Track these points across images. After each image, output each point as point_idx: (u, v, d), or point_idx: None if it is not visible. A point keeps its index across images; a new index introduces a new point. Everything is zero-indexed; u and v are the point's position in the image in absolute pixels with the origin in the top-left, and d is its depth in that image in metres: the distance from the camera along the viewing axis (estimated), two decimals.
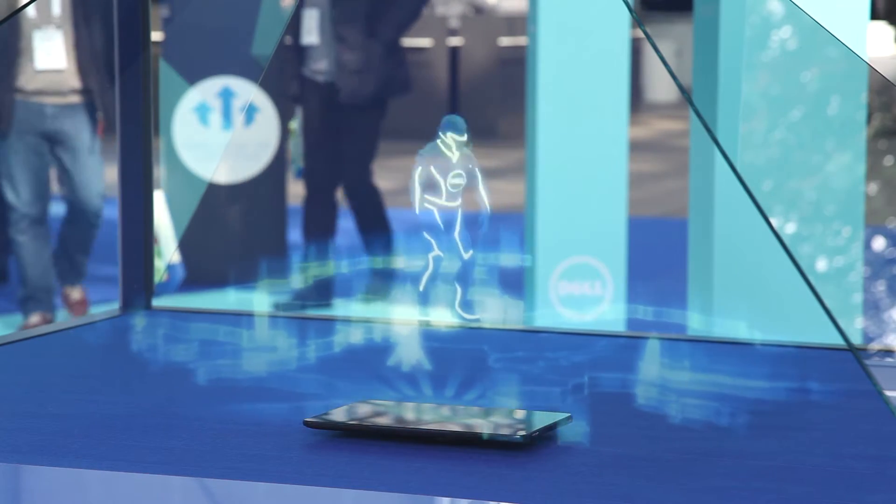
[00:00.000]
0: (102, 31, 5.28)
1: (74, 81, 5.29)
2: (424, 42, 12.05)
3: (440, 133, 1.43)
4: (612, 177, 4.83)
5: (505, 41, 12.02)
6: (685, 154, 4.64)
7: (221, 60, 6.13)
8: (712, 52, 4.13)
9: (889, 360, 1.82)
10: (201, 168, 6.18)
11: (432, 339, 1.74)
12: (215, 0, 6.55)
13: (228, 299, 5.53)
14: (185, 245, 6.34)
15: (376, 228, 5.75)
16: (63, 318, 5.35)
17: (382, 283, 5.20)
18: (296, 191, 6.30)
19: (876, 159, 7.58)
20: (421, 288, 1.44)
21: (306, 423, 1.36)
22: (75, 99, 5.30)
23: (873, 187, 7.11)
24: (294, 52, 5.78)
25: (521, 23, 10.78)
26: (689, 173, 4.38)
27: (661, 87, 14.60)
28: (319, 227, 5.85)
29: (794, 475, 1.25)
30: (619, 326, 2.72)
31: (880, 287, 5.32)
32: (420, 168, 1.43)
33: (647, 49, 12.22)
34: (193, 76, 6.14)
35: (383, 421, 1.37)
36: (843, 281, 4.16)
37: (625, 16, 4.73)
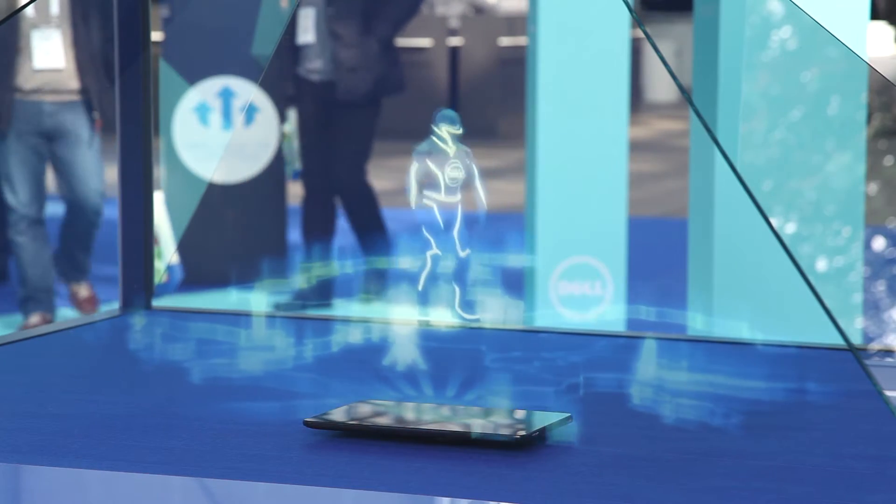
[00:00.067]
0: (101, 30, 5.27)
1: (72, 81, 5.29)
2: (424, 42, 12.05)
3: (434, 127, 1.43)
4: (612, 177, 4.83)
5: (505, 41, 12.02)
6: (685, 154, 4.65)
7: (221, 60, 6.13)
8: (712, 52, 4.13)
9: (889, 360, 1.82)
10: (201, 168, 6.18)
11: (431, 338, 1.74)
12: (215, 0, 6.55)
13: (228, 299, 5.53)
14: (184, 245, 6.34)
15: (371, 228, 5.74)
16: (63, 318, 5.35)
17: (380, 283, 5.20)
18: (295, 191, 6.30)
19: (876, 159, 7.58)
20: (420, 287, 1.44)
21: (306, 423, 1.36)
22: (73, 97, 5.30)
23: (873, 187, 7.11)
24: (289, 52, 5.78)
25: (521, 23, 10.78)
26: (689, 173, 4.38)
27: (661, 87, 14.60)
28: (319, 227, 5.85)
29: (794, 475, 1.25)
30: (619, 326, 2.72)
31: (880, 287, 5.32)
32: (416, 164, 1.43)
33: (647, 49, 12.22)
34: (193, 76, 6.14)
35: (383, 421, 1.37)
36: (843, 281, 4.16)
37: (625, 16, 4.73)
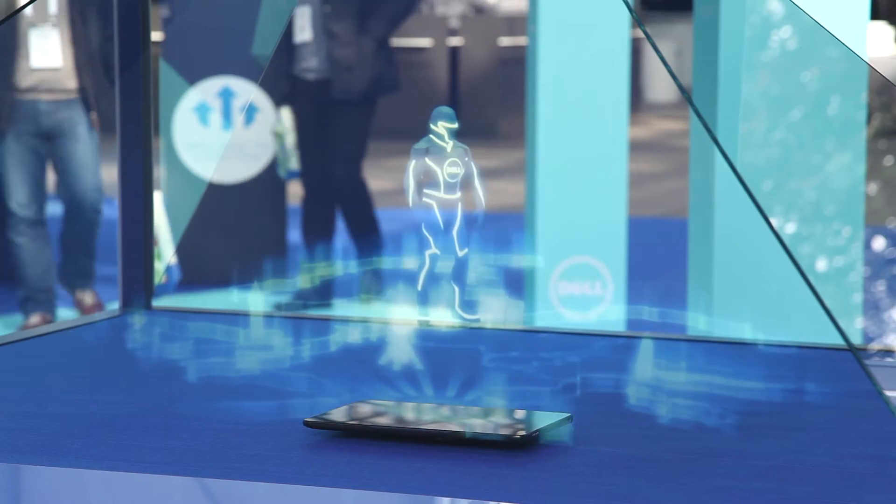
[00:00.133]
0: (100, 30, 5.26)
1: (70, 80, 5.28)
2: (424, 42, 12.05)
3: (431, 125, 1.43)
4: (612, 177, 4.83)
5: (505, 41, 12.02)
6: (685, 154, 4.65)
7: (221, 60, 6.13)
8: (712, 52, 4.13)
9: (889, 360, 1.82)
10: (201, 168, 6.18)
11: (430, 338, 1.74)
12: (215, 0, 6.55)
13: (228, 299, 5.53)
14: (184, 245, 6.34)
15: (364, 228, 5.74)
16: (63, 319, 5.35)
17: (378, 283, 5.19)
18: (295, 191, 6.30)
19: (876, 159, 7.58)
20: (419, 287, 1.44)
21: (306, 423, 1.36)
22: (70, 96, 5.29)
23: (873, 187, 7.11)
24: (285, 51, 5.78)
25: (521, 23, 10.78)
26: (689, 173, 4.39)
27: (661, 87, 14.61)
28: (319, 227, 5.85)
29: (794, 475, 1.25)
30: (620, 326, 2.72)
31: (880, 287, 5.32)
32: (415, 162, 1.43)
33: (647, 49, 12.22)
34: (193, 76, 6.15)
35: (383, 421, 1.37)
36: (843, 281, 4.16)
37: (625, 16, 4.73)
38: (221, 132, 6.20)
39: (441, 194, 1.43)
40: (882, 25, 11.14)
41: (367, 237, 5.66)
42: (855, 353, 1.27)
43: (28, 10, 5.24)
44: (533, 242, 4.80)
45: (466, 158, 1.44)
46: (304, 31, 5.73)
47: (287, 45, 5.78)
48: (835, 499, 1.19)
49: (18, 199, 5.33)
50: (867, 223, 4.55)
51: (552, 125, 4.79)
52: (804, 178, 4.12)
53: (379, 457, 1.29)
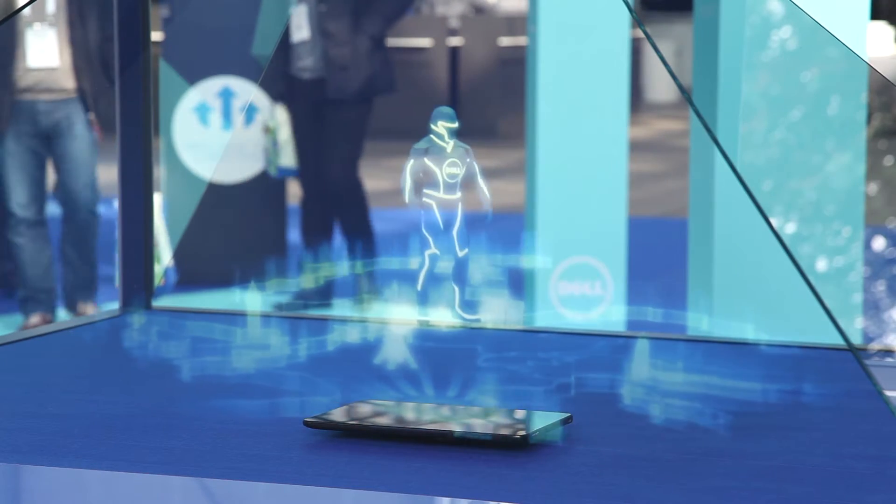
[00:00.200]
0: (98, 29, 5.25)
1: (67, 80, 5.27)
2: (424, 42, 12.05)
3: (431, 125, 1.43)
4: (612, 177, 4.83)
5: (505, 41, 12.02)
6: (685, 154, 4.65)
7: (221, 60, 6.13)
8: (712, 52, 4.13)
9: (889, 360, 1.82)
10: (201, 168, 6.18)
11: (429, 338, 1.74)
12: (215, 0, 6.55)
13: (228, 299, 5.53)
14: (184, 245, 6.34)
15: (358, 228, 5.73)
16: (63, 318, 5.35)
17: (375, 284, 5.18)
18: (295, 191, 6.30)
19: (876, 159, 7.58)
20: (419, 287, 1.44)
21: (306, 423, 1.36)
22: (68, 96, 5.28)
23: (873, 187, 7.11)
24: (281, 50, 5.77)
25: (521, 23, 10.78)
26: (689, 173, 4.39)
27: (661, 87, 14.61)
28: (318, 228, 5.84)
29: (794, 475, 1.25)
30: (620, 326, 2.72)
31: (880, 287, 5.32)
32: (413, 161, 1.43)
33: (647, 49, 12.23)
34: (193, 76, 6.14)
35: (383, 421, 1.37)
36: (843, 281, 4.16)
37: (625, 16, 4.73)
38: (221, 132, 6.20)
39: (441, 194, 1.43)
40: (882, 25, 11.14)
41: (361, 238, 5.65)
42: (855, 353, 1.27)
43: (26, 10, 5.23)
44: (533, 242, 4.80)
45: (468, 159, 1.44)
46: (301, 30, 5.72)
47: (285, 43, 5.77)
48: (835, 499, 1.19)
49: (18, 199, 5.33)
50: (867, 223, 4.55)
51: (552, 125, 4.79)
52: (804, 178, 4.12)
53: (379, 457, 1.29)
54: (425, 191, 1.44)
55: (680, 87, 1.33)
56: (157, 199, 5.98)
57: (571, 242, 4.80)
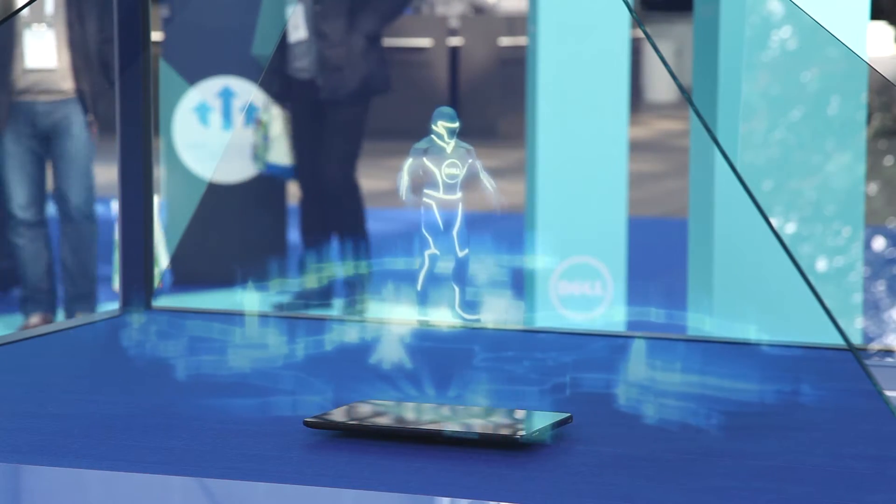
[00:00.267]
0: (97, 31, 5.24)
1: (65, 81, 5.25)
2: (424, 42, 12.05)
3: (432, 125, 1.43)
4: (612, 177, 4.83)
5: (505, 41, 12.02)
6: (685, 154, 4.65)
7: (221, 60, 6.13)
8: (712, 52, 4.13)
9: (889, 360, 1.82)
10: (201, 168, 6.18)
11: (428, 338, 1.74)
12: (215, 0, 6.55)
13: (228, 299, 5.53)
14: (184, 245, 6.34)
15: (352, 230, 5.72)
16: (63, 319, 5.35)
17: (366, 287, 5.18)
18: (295, 191, 6.30)
19: (876, 159, 7.58)
20: (419, 287, 1.44)
21: (306, 423, 1.36)
22: (66, 97, 5.27)
23: (873, 187, 7.11)
24: (279, 51, 5.77)
25: (521, 23, 10.78)
26: (689, 173, 4.39)
27: (661, 87, 14.60)
28: (317, 228, 5.84)
29: (794, 475, 1.25)
30: (619, 326, 2.72)
31: (880, 287, 5.32)
32: (411, 159, 1.43)
33: (647, 49, 12.23)
34: (193, 76, 6.14)
35: (383, 421, 1.37)
36: (843, 281, 4.16)
37: (625, 16, 4.73)
38: (221, 132, 6.20)
39: (440, 195, 1.43)
40: (882, 25, 11.14)
41: (354, 239, 5.64)
42: (855, 353, 1.27)
43: (24, 11, 5.22)
44: (533, 242, 4.80)
45: (470, 160, 1.44)
46: (298, 30, 5.72)
47: (283, 43, 5.77)
48: (835, 499, 1.19)
49: (18, 201, 5.33)
50: (867, 223, 4.55)
51: (552, 125, 4.78)
52: (804, 178, 4.12)
53: (379, 457, 1.29)
54: (425, 191, 1.44)
55: (680, 87, 1.33)
56: (155, 202, 5.96)
57: (571, 242, 4.80)
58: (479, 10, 13.28)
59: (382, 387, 1.51)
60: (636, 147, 6.40)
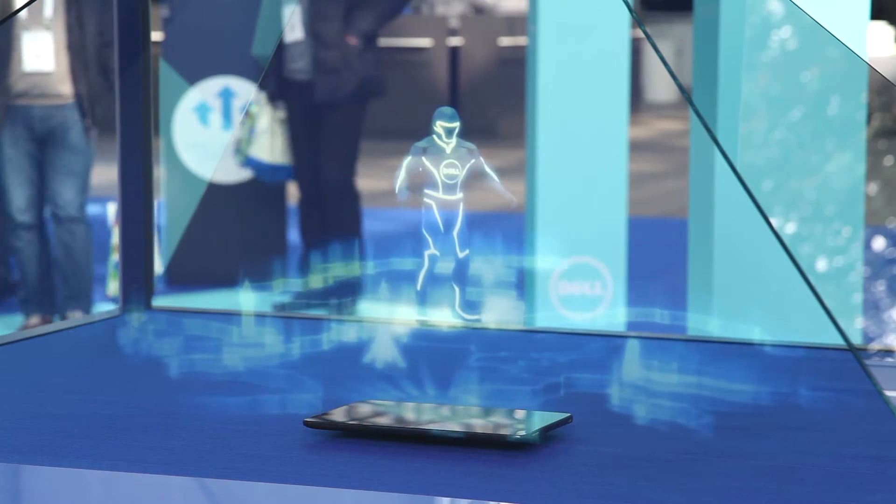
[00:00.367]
0: (97, 34, 5.23)
1: (63, 85, 5.24)
2: (424, 42, 12.05)
3: (433, 125, 1.43)
4: (612, 177, 4.83)
5: (505, 41, 12.02)
6: (685, 154, 4.64)
7: (221, 60, 6.12)
8: (712, 52, 4.13)
9: (889, 360, 1.82)
10: (201, 168, 6.18)
11: (427, 338, 1.74)
12: (215, 0, 6.55)
13: (228, 299, 5.53)
14: (184, 245, 6.34)
15: (349, 233, 5.72)
16: (59, 319, 5.35)
17: (359, 289, 5.17)
18: (293, 191, 6.30)
19: (876, 159, 7.58)
20: (418, 287, 1.44)
21: (306, 423, 1.36)
22: (63, 101, 5.26)
23: (873, 187, 7.11)
24: (277, 51, 5.76)
25: (521, 23, 10.78)
26: (689, 173, 4.38)
27: (661, 87, 14.60)
28: (315, 229, 5.84)
29: (794, 475, 1.25)
30: (620, 327, 2.72)
31: (880, 287, 5.32)
32: (410, 158, 1.43)
33: (647, 49, 12.22)
34: (193, 76, 6.14)
35: (383, 421, 1.37)
36: (843, 281, 4.16)
37: (625, 16, 4.73)
38: (221, 132, 6.20)
39: (440, 195, 1.43)
40: (882, 25, 11.14)
41: (349, 242, 5.63)
42: (855, 353, 1.27)
43: (22, 13, 5.21)
44: (533, 242, 4.80)
45: (472, 160, 1.44)
46: (294, 31, 5.71)
47: (281, 44, 5.77)
48: (835, 499, 1.19)
49: (17, 204, 5.33)
50: (867, 223, 4.55)
51: (552, 125, 4.78)
52: (804, 178, 4.12)
53: (379, 457, 1.29)
54: (425, 191, 1.44)
55: (680, 87, 1.33)
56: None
57: (571, 242, 4.80)
58: (479, 10, 13.28)
59: (378, 386, 1.51)
60: (636, 147, 6.39)
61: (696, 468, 1.27)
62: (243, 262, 5.87)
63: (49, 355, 1.78)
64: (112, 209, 5.45)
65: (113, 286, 5.47)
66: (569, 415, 1.38)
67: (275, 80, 5.80)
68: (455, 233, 1.44)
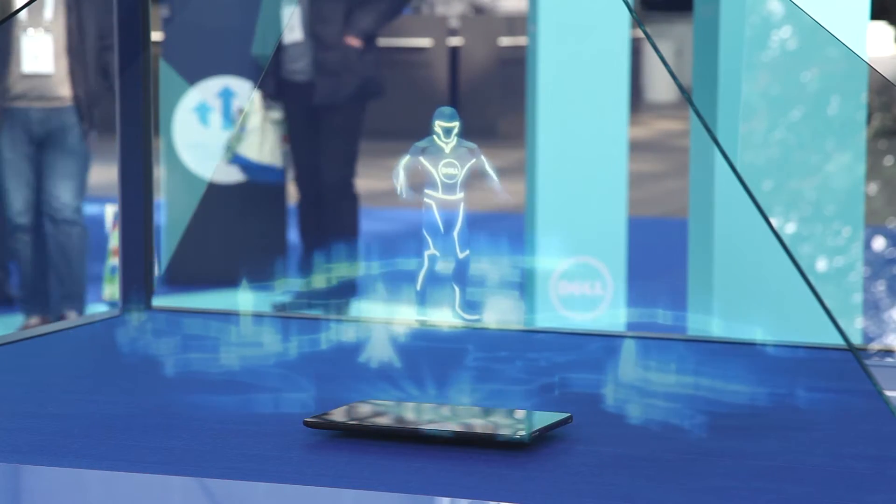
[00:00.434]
0: (96, 37, 5.22)
1: (62, 87, 5.23)
2: (424, 42, 12.05)
3: (433, 125, 1.43)
4: (612, 177, 4.83)
5: (505, 41, 12.02)
6: (685, 154, 4.65)
7: (221, 60, 6.12)
8: (712, 52, 4.13)
9: (889, 360, 1.82)
10: (201, 168, 6.17)
11: (426, 338, 1.74)
12: (215, 0, 6.55)
13: (228, 299, 5.52)
14: (184, 245, 6.33)
15: (344, 234, 5.71)
16: (56, 320, 5.35)
17: (356, 290, 5.16)
18: (294, 191, 6.29)
19: (876, 159, 7.58)
20: (418, 287, 1.44)
21: (306, 423, 1.36)
22: (62, 104, 5.25)
23: (873, 187, 7.11)
24: (275, 51, 5.76)
25: (521, 23, 10.78)
26: (689, 173, 4.38)
27: (661, 87, 14.60)
28: (315, 229, 5.84)
29: (794, 475, 1.25)
30: (620, 327, 2.72)
31: (880, 287, 5.32)
32: (408, 156, 1.43)
33: (647, 49, 12.22)
34: (193, 76, 6.14)
35: (383, 421, 1.37)
36: (843, 281, 4.16)
37: (625, 16, 4.73)
38: (221, 132, 6.20)
39: (439, 195, 1.43)
40: (882, 25, 11.14)
41: (344, 243, 5.62)
42: (855, 353, 1.27)
43: (22, 15, 5.20)
44: (533, 242, 4.80)
45: (473, 159, 1.44)
46: (293, 31, 5.71)
47: (281, 44, 5.76)
48: (835, 499, 1.19)
49: (16, 207, 5.33)
50: (867, 223, 4.55)
51: (552, 125, 4.78)
52: (804, 178, 4.12)
53: (379, 457, 1.29)
54: (425, 191, 1.44)
55: (680, 87, 1.33)
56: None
57: (571, 242, 4.80)
58: (479, 10, 13.28)
59: (378, 386, 1.51)
60: (636, 147, 6.40)
61: (696, 468, 1.27)
62: (243, 262, 5.87)
63: (49, 355, 1.78)
64: (110, 212, 5.45)
65: (108, 290, 5.46)
66: (569, 415, 1.38)
67: (274, 80, 5.80)
68: (455, 233, 1.44)
